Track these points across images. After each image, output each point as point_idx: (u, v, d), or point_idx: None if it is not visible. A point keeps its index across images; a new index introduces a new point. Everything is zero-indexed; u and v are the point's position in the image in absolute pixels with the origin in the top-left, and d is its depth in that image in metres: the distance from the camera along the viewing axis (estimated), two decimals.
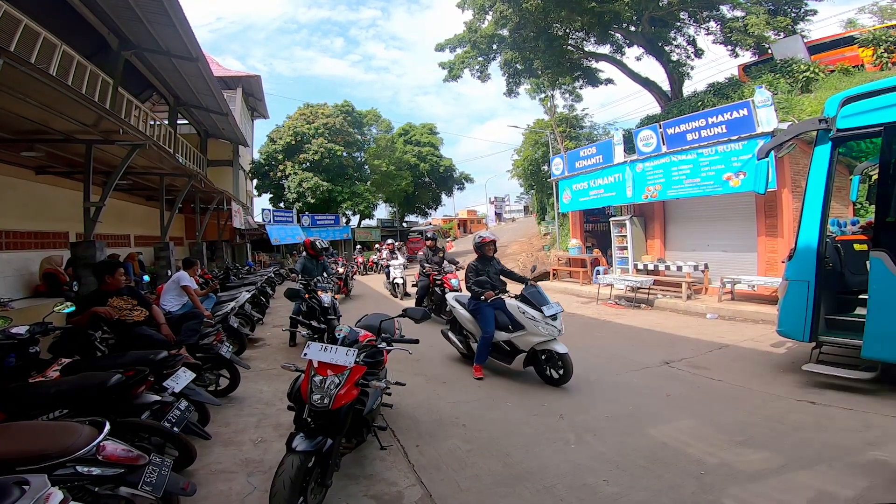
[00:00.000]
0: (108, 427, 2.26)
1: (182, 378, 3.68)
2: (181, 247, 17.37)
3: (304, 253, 8.15)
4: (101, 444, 2.18)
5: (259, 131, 33.51)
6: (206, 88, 13.78)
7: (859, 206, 8.74)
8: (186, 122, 17.96)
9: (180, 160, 12.75)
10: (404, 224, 40.94)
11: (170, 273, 9.19)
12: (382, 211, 40.82)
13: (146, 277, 9.68)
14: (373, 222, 37.44)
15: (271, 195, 30.24)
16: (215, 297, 7.68)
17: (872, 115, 4.51)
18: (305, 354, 2.99)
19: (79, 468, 2.08)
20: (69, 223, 10.46)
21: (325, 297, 6.94)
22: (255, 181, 30.09)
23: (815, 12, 16.36)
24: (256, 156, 30.09)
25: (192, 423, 3.57)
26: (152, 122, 12.66)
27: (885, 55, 12.41)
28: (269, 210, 25.27)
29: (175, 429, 3.20)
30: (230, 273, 12.55)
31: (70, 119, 6.37)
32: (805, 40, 14.93)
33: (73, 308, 4.30)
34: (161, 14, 9.47)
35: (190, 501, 2.88)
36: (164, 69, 12.75)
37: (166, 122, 14.33)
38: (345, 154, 29.19)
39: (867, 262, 4.59)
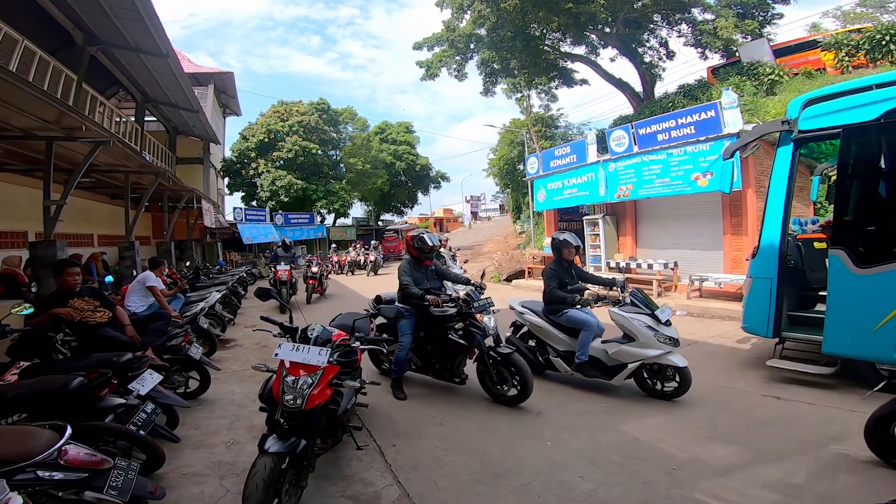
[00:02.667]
0: (69, 431, 2.19)
1: (148, 380, 3.57)
2: (148, 246, 16.88)
3: (407, 255, 5.39)
4: (63, 448, 2.11)
5: (231, 129, 32.89)
6: (175, 85, 13.40)
7: (819, 205, 9.07)
8: (154, 118, 17.46)
9: (147, 157, 12.39)
10: (380, 223, 40.73)
11: (135, 273, 8.90)
12: (358, 210, 40.64)
13: (109, 278, 9.35)
14: (348, 221, 37.15)
15: (243, 193, 29.63)
16: (184, 298, 7.48)
17: (832, 118, 4.69)
18: (277, 354, 2.95)
19: (40, 473, 2.01)
20: (28, 222, 10.04)
21: (490, 321, 4.80)
22: (226, 179, 29.45)
23: (781, 16, 17.01)
24: (228, 153, 29.44)
25: (159, 426, 3.47)
26: (118, 119, 12.27)
27: (847, 59, 12.91)
28: (241, 209, 24.78)
29: (141, 432, 3.11)
30: (200, 273, 12.25)
31: (30, 115, 6.12)
32: (771, 43, 15.47)
33: (31, 310, 4.12)
34: (130, 9, 9.15)
35: None
36: (132, 65, 12.35)
37: (133, 119, 13.89)
38: (320, 152, 28.85)
39: (826, 260, 4.77)
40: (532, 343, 5.42)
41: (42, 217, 7.23)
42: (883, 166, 4.62)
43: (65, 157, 7.97)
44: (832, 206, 5.43)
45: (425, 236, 5.18)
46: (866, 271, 4.30)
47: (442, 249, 11.09)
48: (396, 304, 5.10)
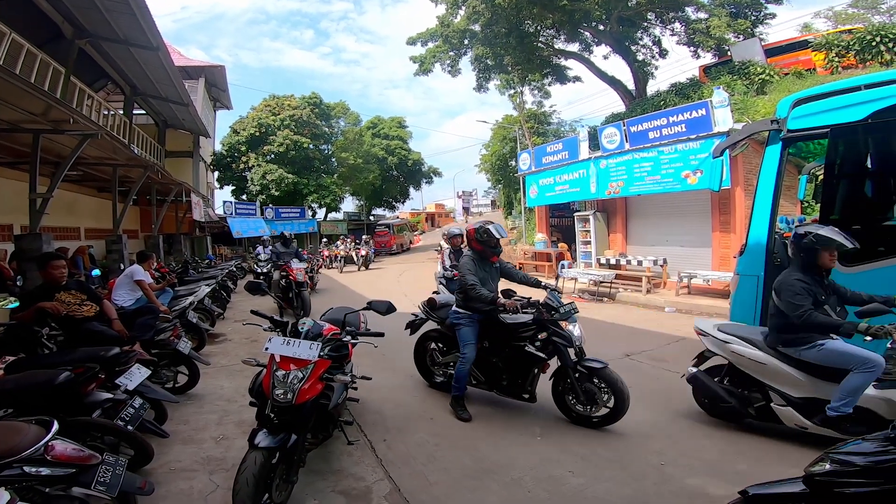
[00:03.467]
0: (56, 426, 2.17)
1: (136, 375, 3.55)
2: (136, 240, 16.73)
3: (470, 247, 4.56)
4: (50, 443, 2.09)
5: (222, 122, 32.48)
6: (165, 78, 13.25)
7: (806, 204, 9.17)
8: (143, 111, 17.26)
9: (135, 151, 12.25)
10: (371, 217, 40.61)
11: (122, 267, 8.82)
12: (349, 204, 40.44)
13: (96, 271, 9.24)
14: (339, 215, 36.96)
15: (234, 187, 29.35)
16: (172, 292, 7.40)
17: (820, 118, 4.74)
18: (267, 349, 2.93)
19: (26, 468, 2.00)
20: (13, 215, 9.91)
21: (575, 330, 4.06)
22: (216, 173, 29.17)
23: (773, 16, 17.10)
24: (218, 147, 29.14)
25: (147, 421, 3.44)
26: (106, 112, 12.10)
27: (836, 59, 13.03)
28: (231, 202, 24.55)
29: (129, 427, 3.08)
30: (189, 267, 12.13)
31: (17, 108, 6.04)
32: (763, 43, 15.58)
33: (16, 303, 4.08)
34: (120, 2, 9.04)
35: (149, 501, 2.80)
36: (122, 58, 12.21)
37: (121, 112, 13.71)
38: (311, 146, 28.62)
39: None
40: (726, 382, 4.02)
41: (28, 210, 7.14)
42: (869, 166, 4.70)
43: (52, 150, 7.87)
44: (819, 205, 5.50)
45: (491, 227, 4.36)
46: (851, 270, 4.37)
47: (443, 244, 10.69)
48: (454, 307, 4.45)
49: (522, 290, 4.70)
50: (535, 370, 4.18)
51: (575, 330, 4.02)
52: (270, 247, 12.05)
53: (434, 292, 8.46)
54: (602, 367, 3.87)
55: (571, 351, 4.00)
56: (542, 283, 4.52)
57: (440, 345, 4.96)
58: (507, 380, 4.30)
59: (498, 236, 4.35)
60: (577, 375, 3.97)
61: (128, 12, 9.33)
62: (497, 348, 4.34)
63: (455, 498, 3.06)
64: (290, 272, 9.13)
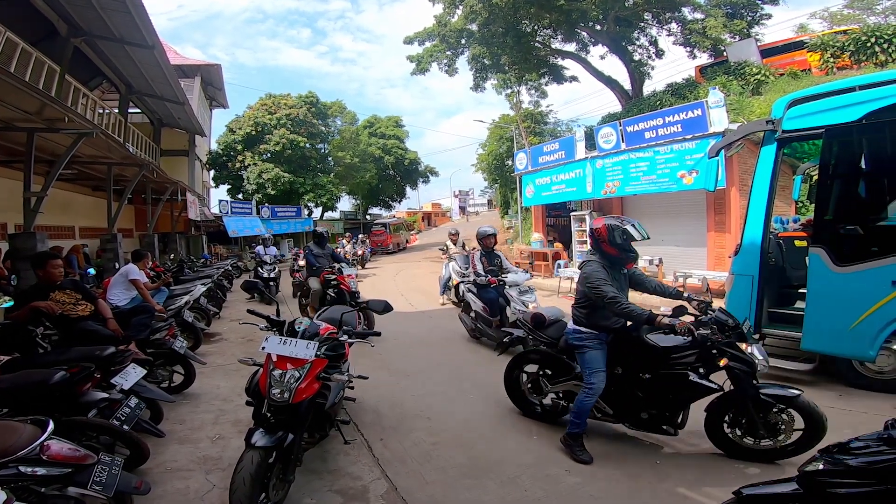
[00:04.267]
0: (51, 426, 2.16)
1: (131, 374, 3.53)
2: (131, 239, 16.66)
3: (596, 250, 3.70)
4: (45, 443, 2.08)
5: (218, 121, 32.39)
6: (161, 77, 13.21)
7: (801, 204, 9.20)
8: (139, 110, 17.19)
9: (131, 149, 12.18)
10: (368, 216, 40.62)
11: (117, 266, 8.80)
12: (346, 203, 40.54)
13: (91, 270, 9.19)
14: (336, 214, 36.99)
15: (229, 186, 29.30)
16: (168, 291, 7.38)
17: (815, 118, 4.76)
18: (264, 348, 2.93)
19: (22, 468, 1.99)
20: (7, 214, 9.86)
21: (758, 352, 3.32)
22: (212, 172, 29.09)
23: (769, 16, 17.22)
24: (214, 146, 29.05)
25: (143, 420, 3.43)
26: (101, 111, 12.05)
27: (832, 60, 13.11)
28: (227, 201, 24.48)
29: (125, 427, 3.07)
30: (184, 266, 12.08)
31: (11, 107, 6.02)
32: (758, 44, 15.65)
33: (11, 303, 4.06)
34: (116, 0, 9.01)
35: (145, 500, 2.79)
36: (117, 57, 12.17)
37: (116, 111, 13.66)
38: (308, 145, 28.59)
39: (807, 258, 4.86)
40: None
41: (22, 209, 7.11)
42: (863, 167, 4.72)
43: (46, 149, 7.85)
44: (813, 205, 5.52)
45: (629, 227, 3.52)
46: (845, 269, 4.40)
47: (449, 244, 10.44)
48: (573, 325, 3.68)
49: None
50: (693, 402, 3.45)
51: (757, 352, 3.28)
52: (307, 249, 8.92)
53: (458, 298, 7.70)
54: (797, 396, 3.12)
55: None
56: (686, 295, 3.66)
57: (543, 369, 4.12)
58: (653, 413, 3.50)
59: (639, 237, 3.54)
60: (752, 404, 3.23)
61: (123, 10, 9.31)
62: (634, 375, 3.53)
63: (452, 497, 3.06)
64: (342, 281, 7.39)
